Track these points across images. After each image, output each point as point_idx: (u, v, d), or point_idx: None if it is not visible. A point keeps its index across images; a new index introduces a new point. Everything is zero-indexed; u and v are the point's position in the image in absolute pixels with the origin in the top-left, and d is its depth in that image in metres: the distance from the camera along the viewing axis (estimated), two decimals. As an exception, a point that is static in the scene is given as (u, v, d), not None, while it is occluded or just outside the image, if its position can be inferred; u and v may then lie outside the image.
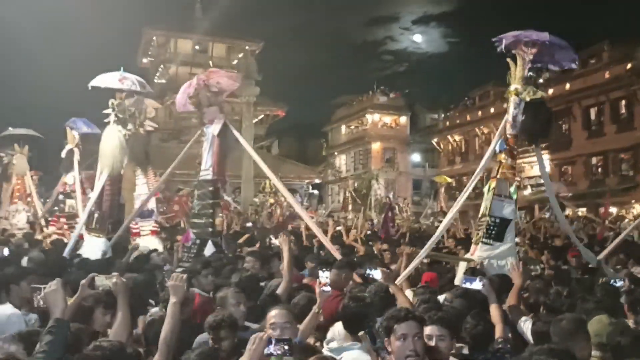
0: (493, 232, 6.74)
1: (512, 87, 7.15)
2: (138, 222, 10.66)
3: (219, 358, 3.46)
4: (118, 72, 9.55)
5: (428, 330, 3.53)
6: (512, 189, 7.09)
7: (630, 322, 4.78)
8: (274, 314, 3.74)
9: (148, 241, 9.70)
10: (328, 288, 4.55)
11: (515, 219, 7.51)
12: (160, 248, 9.53)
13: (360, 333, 3.80)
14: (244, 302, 4.53)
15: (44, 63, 47.63)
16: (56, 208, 13.27)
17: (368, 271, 5.34)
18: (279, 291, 5.48)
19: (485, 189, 7.16)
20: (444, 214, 21.93)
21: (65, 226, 11.68)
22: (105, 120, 9.51)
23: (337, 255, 7.53)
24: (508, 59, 7.20)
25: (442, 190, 24.13)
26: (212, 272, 6.03)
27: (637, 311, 4.97)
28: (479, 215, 7.12)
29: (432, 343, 3.53)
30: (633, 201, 29.39)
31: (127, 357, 3.37)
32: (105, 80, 9.36)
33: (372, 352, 3.63)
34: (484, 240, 6.82)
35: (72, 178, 12.65)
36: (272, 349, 2.58)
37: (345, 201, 30.80)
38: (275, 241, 9.65)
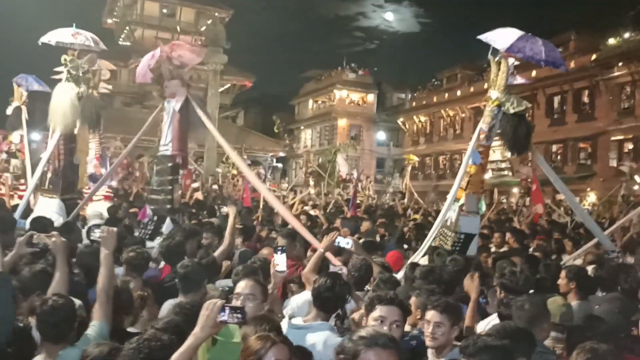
0: (457, 247, 6.70)
1: (493, 95, 6.74)
2: (91, 186, 10.32)
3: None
4: (71, 28, 9.12)
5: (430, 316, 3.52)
6: (480, 204, 6.99)
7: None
8: (241, 284, 3.71)
9: (100, 206, 9.43)
10: (282, 268, 4.48)
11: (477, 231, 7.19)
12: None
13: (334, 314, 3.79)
14: None
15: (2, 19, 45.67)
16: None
17: (338, 240, 5.33)
18: (215, 253, 5.67)
19: (450, 198, 6.96)
20: (405, 194, 22.23)
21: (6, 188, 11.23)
22: (56, 77, 9.09)
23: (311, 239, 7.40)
24: (491, 59, 6.85)
25: (409, 169, 24.40)
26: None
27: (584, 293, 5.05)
28: (440, 223, 6.82)
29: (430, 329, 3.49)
30: (589, 189, 30.19)
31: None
32: (57, 35, 8.92)
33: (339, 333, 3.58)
34: None
35: (18, 137, 12.17)
36: (225, 316, 2.55)
37: (306, 176, 30.70)
38: (225, 209, 9.52)
